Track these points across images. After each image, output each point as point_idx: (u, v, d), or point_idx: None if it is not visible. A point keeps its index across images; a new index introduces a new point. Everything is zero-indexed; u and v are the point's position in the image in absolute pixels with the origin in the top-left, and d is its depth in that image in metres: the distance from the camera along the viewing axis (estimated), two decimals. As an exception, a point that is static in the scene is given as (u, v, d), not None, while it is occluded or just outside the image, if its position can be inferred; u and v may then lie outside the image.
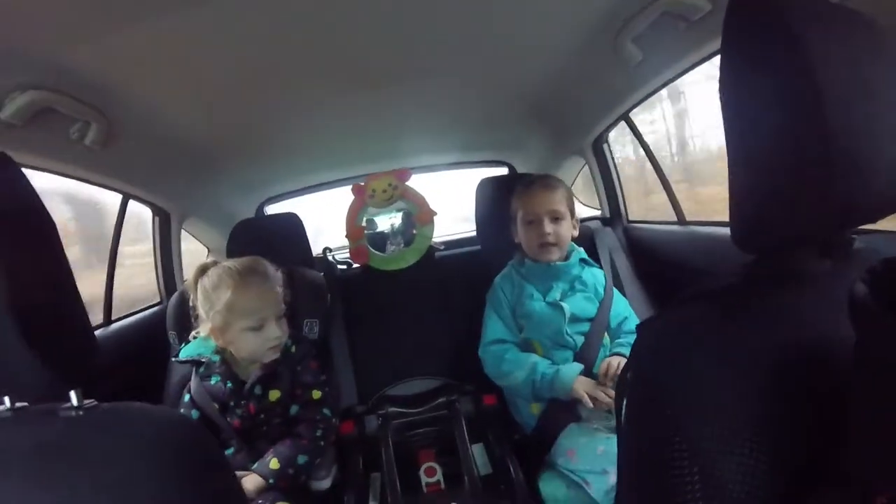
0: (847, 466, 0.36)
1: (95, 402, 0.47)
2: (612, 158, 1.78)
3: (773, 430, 0.39)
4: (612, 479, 0.97)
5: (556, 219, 1.30)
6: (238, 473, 1.03)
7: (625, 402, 0.52)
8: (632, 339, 1.22)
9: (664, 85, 1.25)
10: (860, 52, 0.42)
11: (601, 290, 1.33)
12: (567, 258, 1.34)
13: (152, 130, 1.28)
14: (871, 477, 0.33)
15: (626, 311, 1.36)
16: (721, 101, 0.47)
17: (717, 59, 1.04)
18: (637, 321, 1.33)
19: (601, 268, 1.42)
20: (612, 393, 1.11)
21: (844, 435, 0.36)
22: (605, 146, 1.76)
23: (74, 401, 0.46)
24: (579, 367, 1.18)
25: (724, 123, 0.47)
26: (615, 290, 1.38)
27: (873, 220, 0.48)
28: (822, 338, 0.43)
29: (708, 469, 0.38)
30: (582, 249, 1.40)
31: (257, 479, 1.02)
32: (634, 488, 0.48)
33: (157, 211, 1.70)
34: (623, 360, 1.17)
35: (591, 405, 1.10)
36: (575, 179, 2.14)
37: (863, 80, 0.41)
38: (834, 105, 0.39)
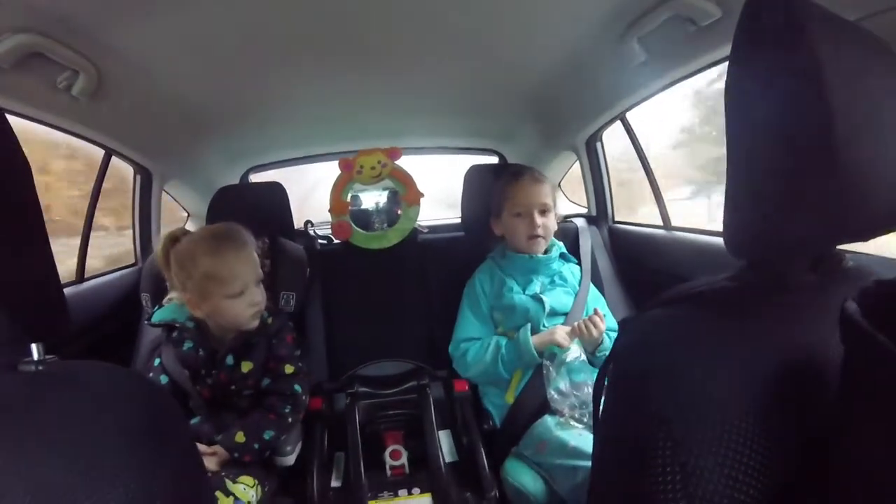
0: (833, 479, 0.36)
1: (57, 358, 0.45)
2: (605, 157, 1.78)
3: (760, 436, 0.38)
4: (580, 476, 0.97)
5: (544, 212, 1.32)
6: (201, 448, 1.00)
7: (603, 397, 0.51)
8: (612, 335, 1.24)
9: (664, 88, 1.24)
10: (872, 70, 0.42)
11: (578, 286, 1.35)
12: (547, 252, 1.35)
13: (142, 87, 1.24)
14: (857, 491, 0.33)
15: (604, 310, 1.37)
16: (726, 106, 0.46)
17: (720, 67, 1.05)
18: (614, 320, 1.35)
19: (579, 264, 1.44)
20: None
21: (832, 446, 0.36)
22: (598, 144, 1.76)
23: (35, 355, 0.44)
24: (528, 325, 1.25)
25: (727, 128, 0.46)
26: (594, 288, 1.40)
27: (867, 238, 0.48)
28: (809, 349, 0.43)
29: (690, 470, 0.38)
30: (562, 244, 1.41)
31: (221, 452, 1.00)
32: (611, 482, 0.47)
33: (138, 169, 1.63)
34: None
35: (566, 341, 1.19)
36: (564, 175, 2.14)
37: (872, 98, 0.41)
38: (842, 118, 0.38)
